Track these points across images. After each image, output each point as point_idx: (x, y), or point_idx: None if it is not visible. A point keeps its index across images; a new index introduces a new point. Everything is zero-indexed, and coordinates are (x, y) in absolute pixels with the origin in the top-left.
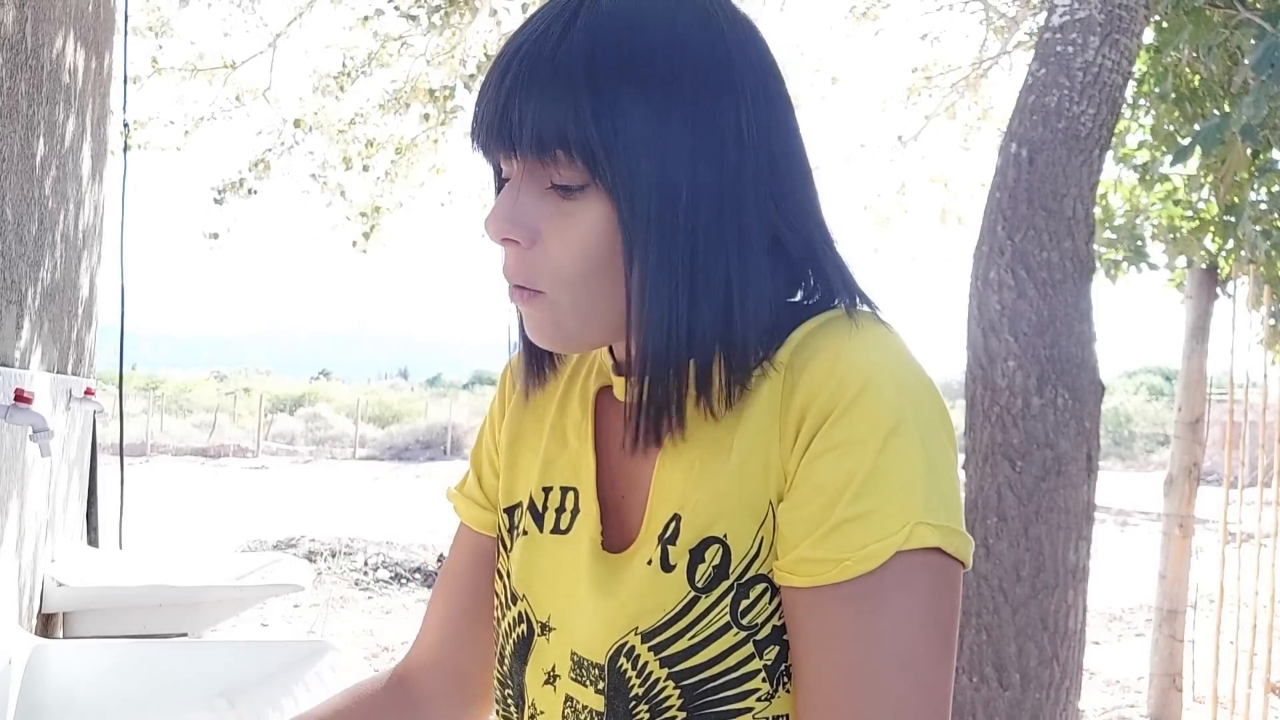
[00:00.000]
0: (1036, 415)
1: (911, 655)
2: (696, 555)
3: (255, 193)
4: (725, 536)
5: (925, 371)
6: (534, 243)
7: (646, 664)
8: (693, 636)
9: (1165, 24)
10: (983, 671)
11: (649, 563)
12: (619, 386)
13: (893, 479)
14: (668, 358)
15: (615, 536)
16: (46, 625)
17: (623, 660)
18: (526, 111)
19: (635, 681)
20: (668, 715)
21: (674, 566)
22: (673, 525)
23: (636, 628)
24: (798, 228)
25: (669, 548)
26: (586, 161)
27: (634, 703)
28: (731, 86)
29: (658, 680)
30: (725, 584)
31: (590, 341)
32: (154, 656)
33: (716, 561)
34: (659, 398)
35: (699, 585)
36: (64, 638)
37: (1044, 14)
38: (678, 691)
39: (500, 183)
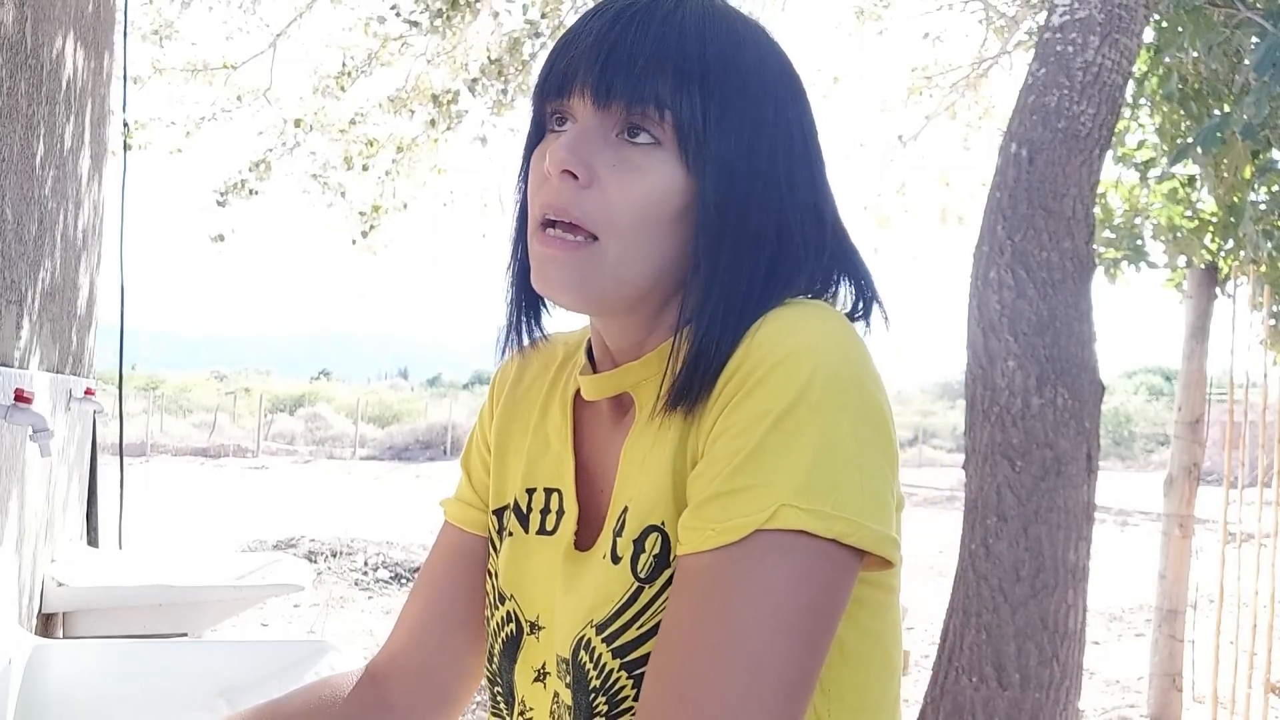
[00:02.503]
0: (1036, 415)
1: (754, 634)
2: (639, 545)
3: (256, 193)
4: (663, 524)
5: (864, 362)
6: (591, 182)
7: (601, 656)
8: (640, 626)
9: (1165, 24)
10: (983, 671)
11: (603, 556)
12: (587, 386)
13: (773, 458)
14: (715, 331)
15: (589, 533)
16: (46, 625)
17: (582, 653)
18: (638, 60)
19: (593, 674)
20: (625, 706)
21: (621, 558)
22: (622, 517)
23: (592, 620)
24: (838, 227)
25: (617, 539)
26: (678, 124)
27: (594, 695)
28: (799, 98)
29: (612, 671)
30: (668, 572)
31: (613, 303)
32: (154, 656)
33: (657, 550)
34: (702, 368)
35: (641, 575)
36: (64, 638)
37: (1044, 14)
38: (630, 681)
39: (537, 134)
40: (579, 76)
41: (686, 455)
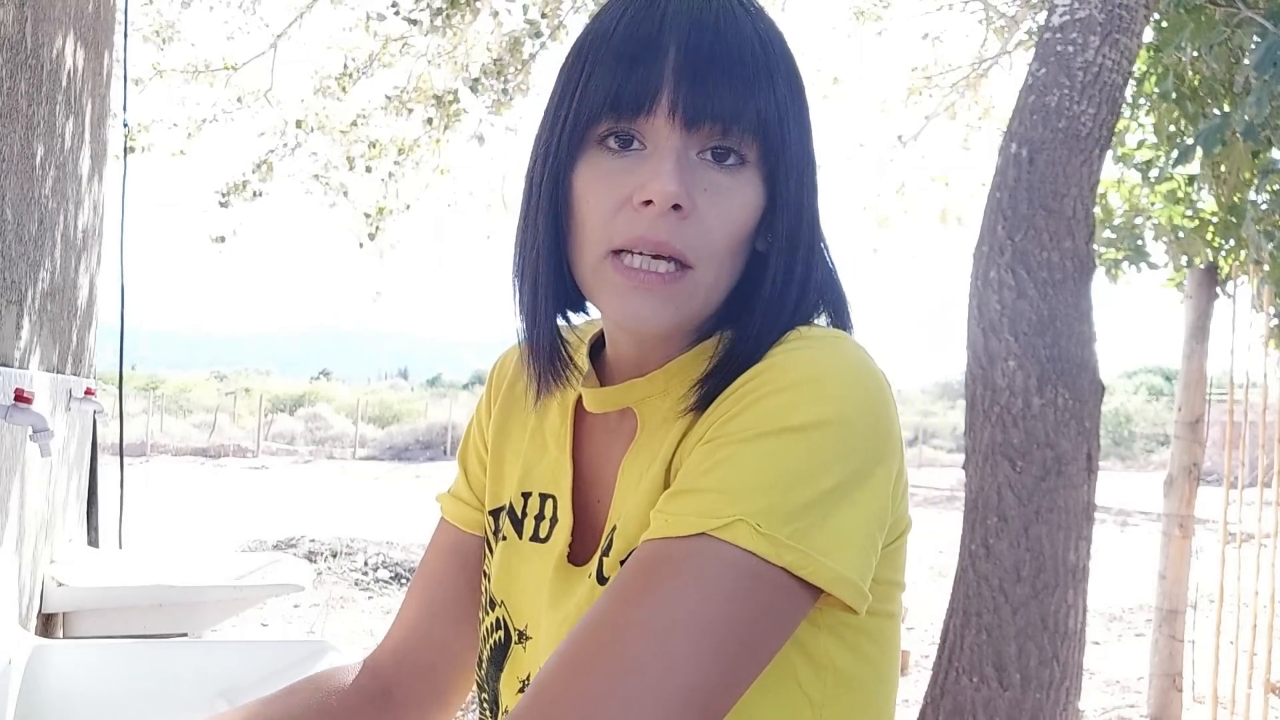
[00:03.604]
0: (1036, 415)
1: (672, 631)
2: None
3: (260, 195)
4: None
5: (876, 407)
6: (692, 212)
7: None
8: None
9: (1166, 23)
10: (983, 671)
11: (589, 576)
12: (589, 399)
13: (746, 470)
14: (761, 333)
15: (584, 548)
16: (46, 625)
17: None
18: (734, 80)
19: None
20: None
21: (607, 579)
22: (610, 536)
23: None
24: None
25: (604, 560)
26: (766, 140)
27: None
28: None
29: None
30: None
31: (695, 322)
32: (154, 656)
33: None
34: (726, 375)
35: None
36: (64, 638)
37: (1044, 14)
38: None
39: (575, 150)
40: (664, 95)
41: (672, 469)
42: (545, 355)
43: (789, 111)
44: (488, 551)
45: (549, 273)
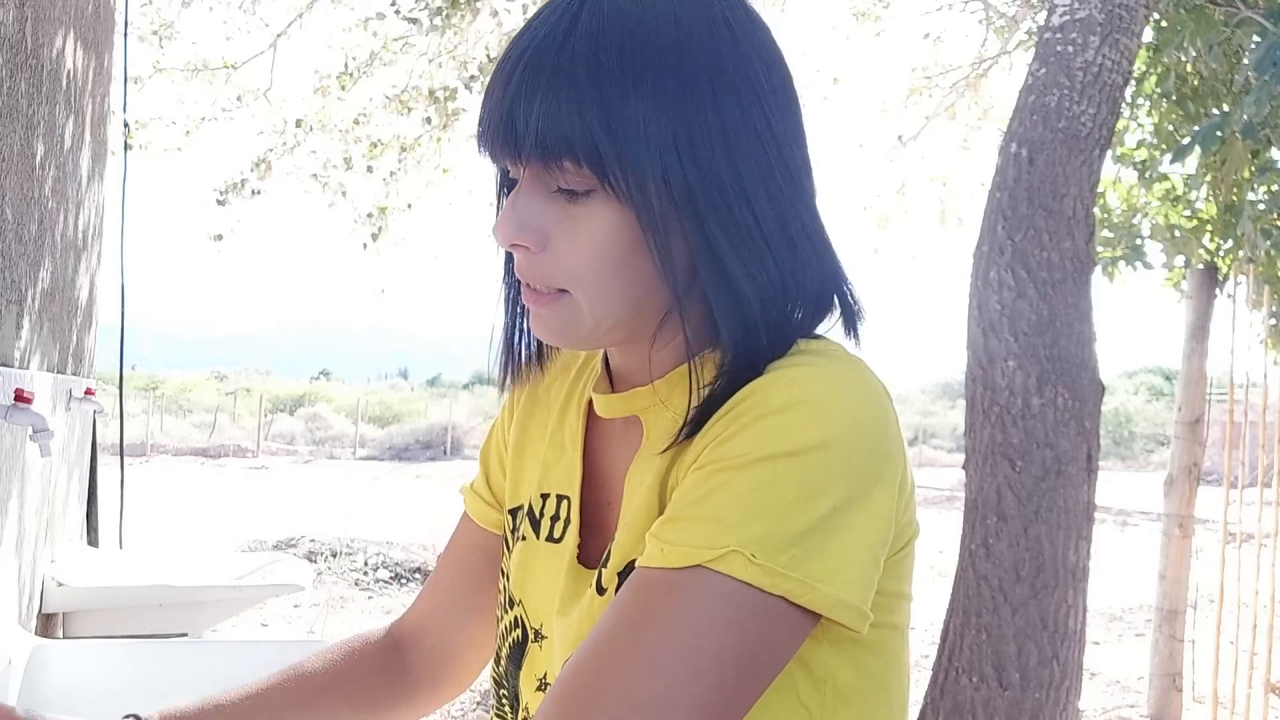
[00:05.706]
0: (1036, 415)
1: (668, 665)
2: (623, 579)
3: (259, 193)
4: None
5: (874, 428)
6: (544, 247)
7: None
8: None
9: (1165, 23)
10: (983, 671)
11: (590, 585)
12: (599, 404)
13: (740, 499)
14: (740, 361)
15: (596, 550)
16: (46, 625)
17: None
18: (531, 118)
19: None
20: None
21: (605, 590)
22: (610, 547)
23: None
24: (813, 229)
25: (603, 570)
26: (594, 168)
27: None
28: (750, 84)
29: None
30: None
31: (605, 340)
32: (154, 656)
33: None
34: (713, 399)
35: None
36: (64, 638)
37: (1044, 14)
38: None
39: (507, 184)
40: (494, 144)
41: (667, 487)
42: (501, 354)
43: (638, 122)
44: (506, 550)
45: (507, 288)
